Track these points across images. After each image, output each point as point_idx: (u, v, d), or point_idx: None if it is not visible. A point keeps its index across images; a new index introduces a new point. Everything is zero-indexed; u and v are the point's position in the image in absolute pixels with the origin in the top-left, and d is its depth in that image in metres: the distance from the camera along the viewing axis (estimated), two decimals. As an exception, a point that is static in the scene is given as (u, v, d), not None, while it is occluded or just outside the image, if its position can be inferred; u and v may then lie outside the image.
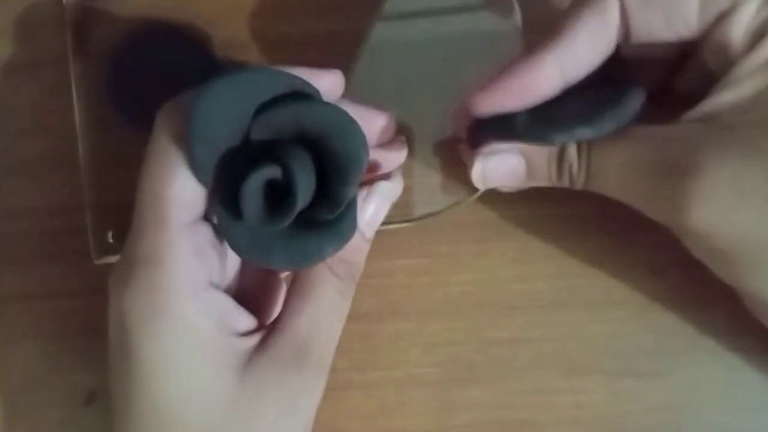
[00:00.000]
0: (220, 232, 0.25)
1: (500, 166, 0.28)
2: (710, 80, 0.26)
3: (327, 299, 0.25)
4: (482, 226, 0.32)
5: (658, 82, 0.29)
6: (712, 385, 0.31)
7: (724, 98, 0.25)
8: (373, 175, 0.28)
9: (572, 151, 0.26)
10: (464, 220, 0.32)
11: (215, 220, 0.25)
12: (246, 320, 0.25)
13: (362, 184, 0.27)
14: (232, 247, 0.24)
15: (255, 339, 0.25)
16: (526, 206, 0.32)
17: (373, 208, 0.27)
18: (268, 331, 0.25)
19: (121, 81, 0.31)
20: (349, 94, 0.27)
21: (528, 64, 0.26)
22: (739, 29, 0.25)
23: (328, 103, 0.24)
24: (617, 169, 0.26)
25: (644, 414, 0.31)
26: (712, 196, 0.24)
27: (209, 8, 0.33)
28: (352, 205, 0.24)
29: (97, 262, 0.31)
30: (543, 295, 0.32)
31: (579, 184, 0.27)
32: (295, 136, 0.24)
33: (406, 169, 0.30)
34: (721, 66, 0.26)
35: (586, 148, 0.26)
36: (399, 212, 0.28)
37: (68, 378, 0.32)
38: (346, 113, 0.23)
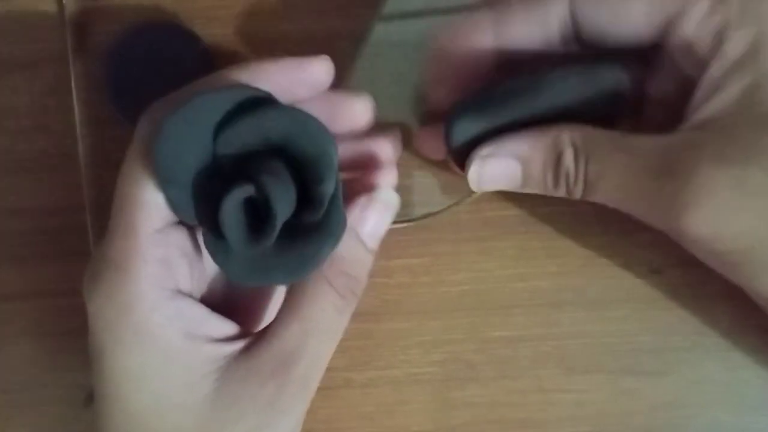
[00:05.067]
0: (200, 241, 0.25)
1: (496, 170, 0.27)
2: (683, 82, 0.26)
3: (321, 314, 0.24)
4: (482, 225, 0.32)
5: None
6: (713, 384, 0.31)
7: (713, 103, 0.25)
8: (365, 169, 0.27)
9: (569, 157, 0.26)
10: (464, 219, 0.32)
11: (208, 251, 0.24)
12: (224, 327, 0.25)
13: (354, 181, 0.27)
14: (231, 278, 0.24)
15: (237, 345, 0.24)
16: (526, 205, 0.32)
17: (373, 218, 0.26)
18: (253, 339, 0.24)
19: (120, 80, 0.31)
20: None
21: (465, 24, 0.27)
22: (696, 30, 0.25)
23: (283, 106, 0.23)
24: (616, 175, 0.26)
25: (645, 413, 0.31)
26: (713, 198, 0.24)
27: (209, 6, 0.33)
28: (335, 201, 0.23)
29: (97, 261, 0.31)
30: (543, 294, 0.32)
31: (577, 193, 0.27)
32: (263, 145, 0.23)
33: (405, 169, 0.31)
34: (692, 67, 0.26)
35: (583, 154, 0.26)
36: (399, 212, 0.28)
37: (68, 377, 0.32)
38: (302, 111, 0.23)
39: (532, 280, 0.32)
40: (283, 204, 0.23)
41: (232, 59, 0.33)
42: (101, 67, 0.32)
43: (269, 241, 0.23)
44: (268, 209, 0.22)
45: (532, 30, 0.27)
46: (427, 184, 0.32)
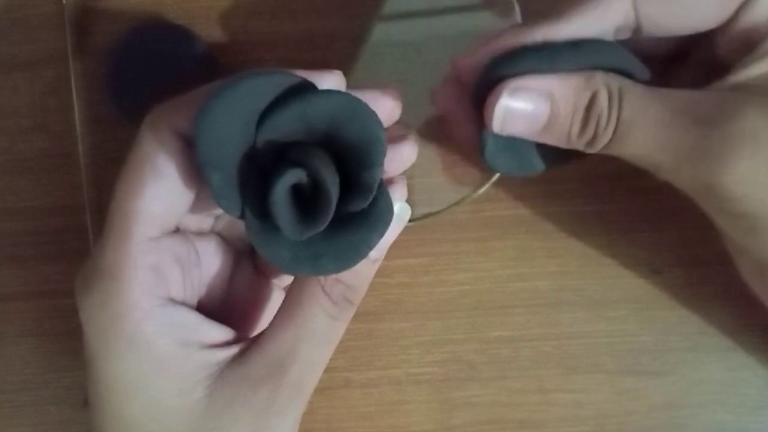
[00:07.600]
0: (197, 247, 0.25)
1: (524, 106, 0.25)
2: (714, 68, 0.26)
3: (315, 321, 0.24)
4: (482, 225, 0.32)
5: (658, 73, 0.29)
6: (713, 384, 0.31)
7: (753, 70, 0.25)
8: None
9: (603, 97, 0.25)
10: (464, 219, 0.32)
11: (251, 242, 0.23)
12: (218, 333, 0.24)
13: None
14: (276, 265, 0.23)
15: (231, 351, 0.24)
16: (526, 205, 0.32)
17: None
18: (248, 345, 0.24)
19: (120, 80, 0.31)
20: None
21: (515, 33, 0.26)
22: (761, 15, 0.25)
23: (329, 90, 0.23)
24: (649, 122, 0.24)
25: (646, 413, 0.31)
26: (755, 154, 0.23)
27: (209, 6, 0.33)
28: (382, 188, 0.23)
29: (97, 261, 0.31)
30: (543, 294, 0.32)
31: (604, 139, 0.25)
32: (304, 135, 0.23)
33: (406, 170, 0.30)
34: (738, 52, 0.26)
35: (617, 98, 0.25)
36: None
37: (68, 378, 0.32)
38: (350, 95, 0.22)
39: (532, 280, 0.32)
40: (334, 188, 0.22)
41: (232, 59, 0.33)
42: (101, 67, 0.32)
43: (323, 225, 0.22)
44: (322, 192, 0.22)
45: (588, 23, 0.26)
46: (427, 184, 0.32)
